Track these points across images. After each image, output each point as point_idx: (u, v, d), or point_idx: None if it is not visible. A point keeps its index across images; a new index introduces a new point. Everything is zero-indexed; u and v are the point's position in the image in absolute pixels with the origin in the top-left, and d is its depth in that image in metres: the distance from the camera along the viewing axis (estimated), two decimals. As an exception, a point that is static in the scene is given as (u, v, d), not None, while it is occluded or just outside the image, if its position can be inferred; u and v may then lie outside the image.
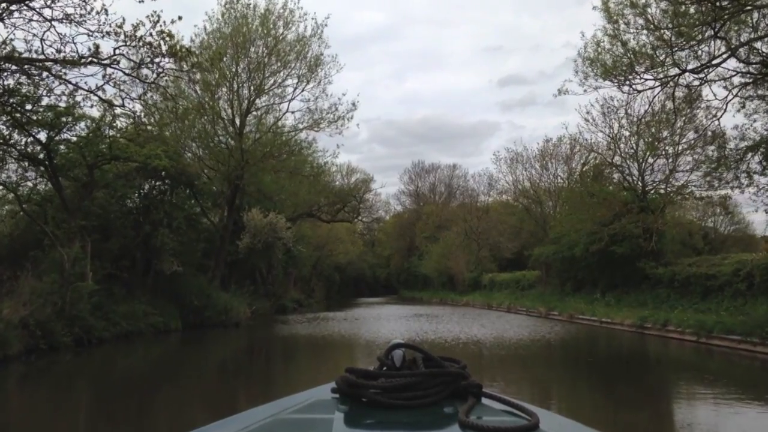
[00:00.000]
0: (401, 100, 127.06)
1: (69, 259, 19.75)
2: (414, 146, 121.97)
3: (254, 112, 29.46)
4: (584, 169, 38.75)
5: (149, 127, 25.15)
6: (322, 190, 42.03)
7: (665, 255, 31.73)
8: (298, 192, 36.33)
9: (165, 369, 17.65)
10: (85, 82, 15.59)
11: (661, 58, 17.96)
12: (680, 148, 30.19)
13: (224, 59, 28.12)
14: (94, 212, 21.53)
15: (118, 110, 19.74)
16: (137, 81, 15.46)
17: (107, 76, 14.87)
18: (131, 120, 18.46)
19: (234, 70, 28.15)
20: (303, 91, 29.08)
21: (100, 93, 16.87)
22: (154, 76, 15.58)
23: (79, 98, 16.96)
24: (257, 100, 29.08)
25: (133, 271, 24.84)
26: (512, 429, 1.48)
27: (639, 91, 19.42)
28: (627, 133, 31.66)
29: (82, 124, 20.40)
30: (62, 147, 20.81)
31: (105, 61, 14.52)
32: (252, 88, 28.67)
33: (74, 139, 20.88)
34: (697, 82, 18.91)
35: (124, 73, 15.09)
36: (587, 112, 33.11)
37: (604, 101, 32.32)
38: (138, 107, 20.29)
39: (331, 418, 1.61)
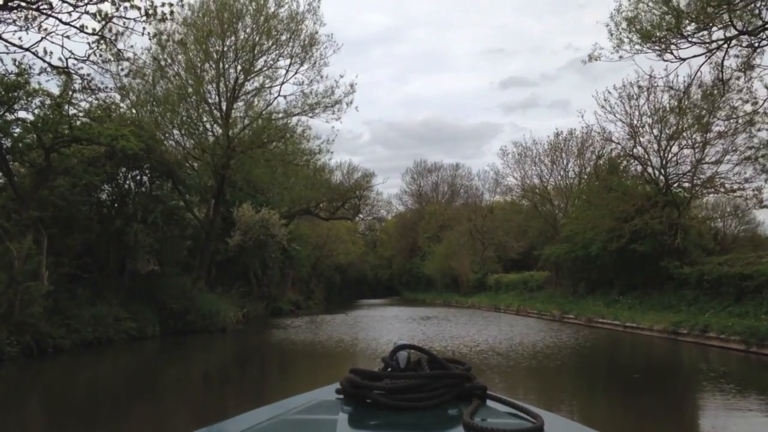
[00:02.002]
0: (403, 102, 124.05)
1: (19, 255, 16.46)
2: (416, 148, 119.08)
3: (243, 97, 26.18)
4: (599, 163, 35.37)
5: (123, 108, 22.02)
6: (321, 185, 38.62)
7: (690, 253, 28.39)
8: (294, 186, 33.08)
9: (121, 386, 14.34)
10: (19, 38, 12.38)
11: (712, 17, 14.67)
12: (709, 135, 26.96)
13: (210, 38, 24.89)
14: (53, 202, 18.21)
15: (78, 85, 16.71)
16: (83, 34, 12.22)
17: (30, 18, 11.61)
18: (86, 86, 15.17)
19: (220, 48, 24.82)
20: (296, 73, 25.83)
21: (47, 57, 13.65)
22: (100, 26, 12.36)
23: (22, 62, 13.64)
24: (246, 84, 25.81)
25: (105, 270, 21.57)
26: (517, 431, 1.44)
27: (683, 60, 16.14)
28: (650, 121, 28.32)
29: (37, 101, 17.12)
30: (15, 127, 17.53)
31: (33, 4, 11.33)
32: (240, 68, 25.37)
33: (31, 118, 17.63)
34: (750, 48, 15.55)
35: (61, 21, 11.89)
36: (605, 99, 29.92)
37: (623, 87, 29.21)
38: (100, 80, 17.16)
39: (335, 419, 1.55)
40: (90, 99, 16.70)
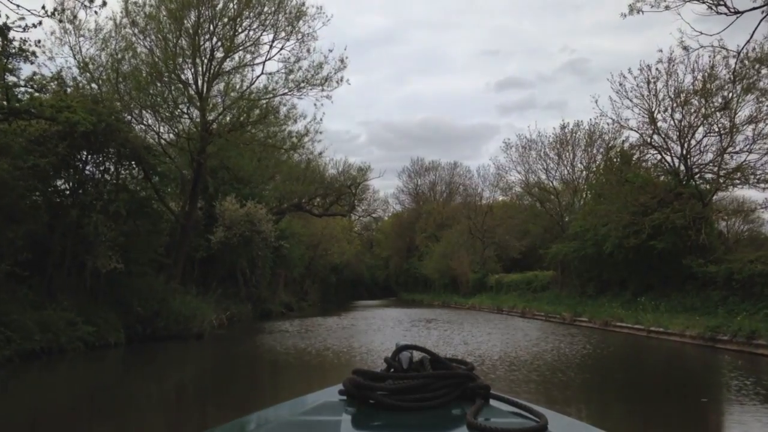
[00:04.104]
0: (400, 103, 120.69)
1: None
2: (413, 149, 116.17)
3: (222, 77, 22.72)
4: (610, 155, 32.25)
5: (82, 82, 18.81)
6: (314, 179, 35.26)
7: (715, 250, 25.20)
8: (285, 178, 29.81)
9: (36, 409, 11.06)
10: None
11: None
12: (738, 120, 23.85)
13: (185, 10, 21.59)
14: (-12, 187, 14.95)
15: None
16: None
17: None
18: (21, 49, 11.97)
19: (195, 20, 21.43)
20: (282, 49, 22.50)
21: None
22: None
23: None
24: (226, 61, 22.37)
25: (61, 269, 18.30)
26: (520, 431, 1.41)
27: (739, 13, 13.03)
28: (672, 104, 25.16)
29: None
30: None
31: None
32: (217, 42, 21.97)
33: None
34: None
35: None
36: (620, 84, 26.79)
37: (640, 71, 26.10)
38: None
39: (338, 420, 1.51)
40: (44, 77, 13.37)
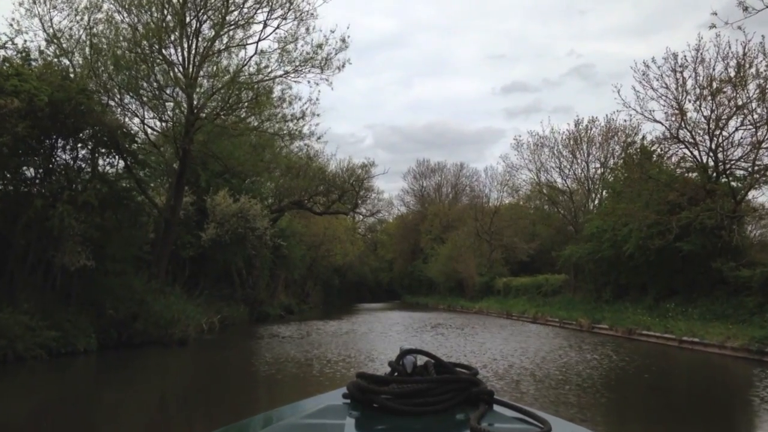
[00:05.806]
0: (407, 107, 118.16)
1: None
2: (418, 152, 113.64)
3: (212, 58, 20.31)
4: (629, 151, 29.77)
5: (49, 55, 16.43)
6: (315, 175, 32.86)
7: (746, 253, 22.70)
8: (282, 170, 27.43)
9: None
10: None
11: None
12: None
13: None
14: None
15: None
16: None
17: None
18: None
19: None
20: (278, 28, 20.08)
21: None
22: None
23: None
24: (216, 41, 19.92)
25: (23, 266, 15.92)
26: None
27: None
28: (704, 93, 22.65)
29: None
30: None
31: None
32: (203, 14, 19.51)
33: None
34: None
35: None
36: (643, 74, 24.31)
37: (665, 60, 23.66)
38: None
39: (342, 423, 1.48)
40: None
